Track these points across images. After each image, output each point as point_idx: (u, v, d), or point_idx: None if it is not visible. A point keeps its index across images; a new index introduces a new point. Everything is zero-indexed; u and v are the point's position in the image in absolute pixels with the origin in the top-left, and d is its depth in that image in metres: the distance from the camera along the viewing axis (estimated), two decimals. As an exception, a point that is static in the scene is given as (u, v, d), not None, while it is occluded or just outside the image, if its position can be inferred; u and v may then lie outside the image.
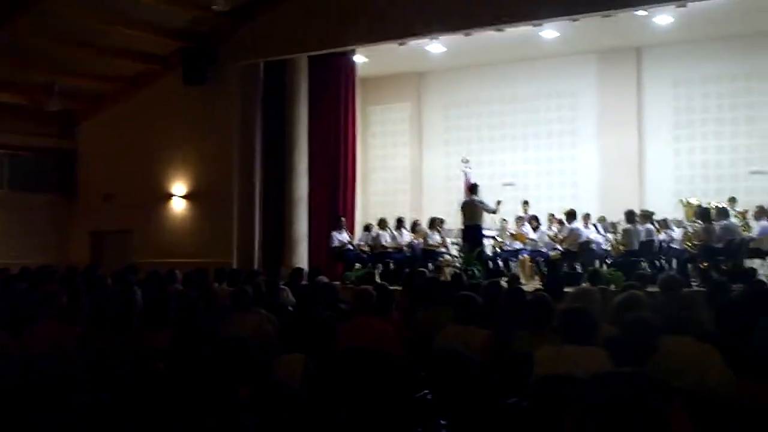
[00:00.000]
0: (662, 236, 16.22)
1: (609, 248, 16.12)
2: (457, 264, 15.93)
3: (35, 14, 15.66)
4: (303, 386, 5.85)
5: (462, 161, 19.71)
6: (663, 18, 16.69)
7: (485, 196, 19.50)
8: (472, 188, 16.17)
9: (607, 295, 8.80)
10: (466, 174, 19.64)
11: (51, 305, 6.85)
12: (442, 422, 6.50)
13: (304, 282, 12.22)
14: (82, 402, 5.61)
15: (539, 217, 17.78)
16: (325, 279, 12.17)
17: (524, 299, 7.77)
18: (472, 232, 15.74)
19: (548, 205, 19.02)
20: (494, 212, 16.53)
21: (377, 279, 14.84)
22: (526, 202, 18.86)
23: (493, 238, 17.36)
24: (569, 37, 17.81)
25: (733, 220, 15.81)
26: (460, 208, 16.43)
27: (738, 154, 18.50)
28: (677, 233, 16.03)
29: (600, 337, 5.39)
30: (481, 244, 15.80)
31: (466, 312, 6.74)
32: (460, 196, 19.18)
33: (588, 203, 19.05)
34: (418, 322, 7.98)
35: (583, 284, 11.13)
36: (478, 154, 20.67)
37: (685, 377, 4.60)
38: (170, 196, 18.97)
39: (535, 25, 16.13)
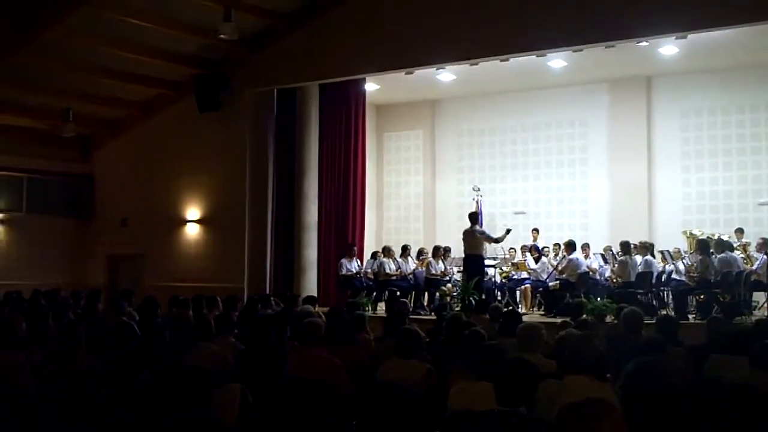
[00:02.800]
0: (669, 267, 16.21)
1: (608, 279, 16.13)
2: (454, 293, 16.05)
3: (49, 41, 16.04)
4: (240, 415, 6.02)
5: (473, 189, 19.90)
6: (668, 48, 16.78)
7: (497, 223, 19.76)
8: (472, 217, 16.22)
9: (591, 328, 8.96)
10: (477, 202, 19.82)
11: (10, 333, 7.07)
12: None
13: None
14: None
15: (548, 246, 17.90)
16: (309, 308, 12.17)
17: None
18: (471, 262, 15.79)
19: (558, 233, 19.12)
20: (497, 242, 16.61)
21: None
22: (536, 230, 18.97)
23: (495, 267, 17.44)
24: (578, 66, 17.98)
25: (737, 252, 15.76)
26: (461, 238, 16.49)
27: (746, 184, 18.41)
28: (682, 265, 15.97)
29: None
30: (481, 273, 15.82)
31: (408, 345, 6.85)
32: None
33: (598, 232, 19.16)
34: (377, 352, 8.11)
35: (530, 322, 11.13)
36: (489, 182, 20.86)
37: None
38: (184, 221, 19.26)
39: (538, 56, 16.23)
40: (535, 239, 18.51)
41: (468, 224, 16.44)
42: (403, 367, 6.74)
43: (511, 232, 16.69)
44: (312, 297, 13.92)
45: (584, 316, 10.97)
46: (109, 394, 6.21)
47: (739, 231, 17.00)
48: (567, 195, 20.51)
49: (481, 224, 19.38)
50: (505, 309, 13.22)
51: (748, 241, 16.25)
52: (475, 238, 15.85)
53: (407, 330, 7.00)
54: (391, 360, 6.92)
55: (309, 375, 6.89)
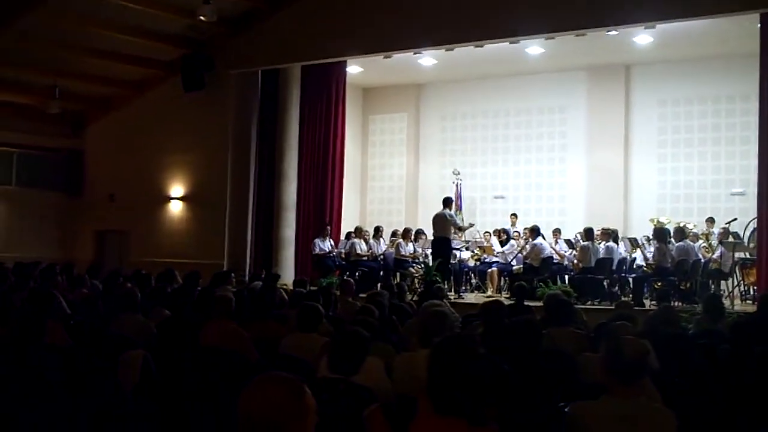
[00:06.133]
0: (637, 255, 16.49)
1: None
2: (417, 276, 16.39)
3: (37, 21, 16.42)
4: (141, 378, 6.46)
5: (453, 173, 20.23)
6: (642, 38, 16.98)
7: (477, 207, 20.12)
8: (445, 201, 16.50)
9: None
10: (457, 186, 20.16)
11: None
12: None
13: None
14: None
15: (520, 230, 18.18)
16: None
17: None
18: (438, 244, 16.08)
19: (537, 218, 19.35)
20: (461, 229, 16.91)
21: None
22: (514, 215, 19.26)
23: (466, 249, 17.77)
24: (557, 53, 18.24)
25: (700, 241, 16.03)
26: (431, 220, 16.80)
27: (719, 174, 18.64)
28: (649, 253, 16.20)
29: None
30: (448, 256, 16.13)
31: (308, 320, 7.20)
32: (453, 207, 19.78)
33: (575, 217, 19.44)
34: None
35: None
36: (471, 167, 21.16)
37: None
38: (168, 198, 19.69)
39: (511, 43, 16.46)
40: (513, 224, 18.79)
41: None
42: (303, 340, 7.10)
43: (474, 226, 17.33)
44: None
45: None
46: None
47: (710, 220, 17.26)
48: (545, 180, 20.79)
49: (461, 208, 19.84)
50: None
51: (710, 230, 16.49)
52: (445, 221, 16.12)
53: (307, 305, 7.35)
54: (294, 333, 7.28)
55: (218, 344, 7.27)
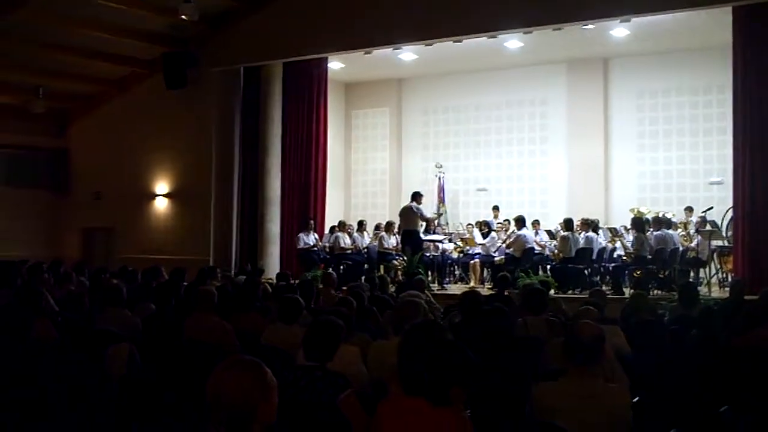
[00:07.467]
0: (617, 244, 16.73)
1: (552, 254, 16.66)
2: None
3: (18, 21, 16.53)
4: (128, 370, 6.66)
5: (436, 166, 20.46)
6: (619, 31, 17.20)
7: (460, 200, 20.38)
8: (414, 195, 16.68)
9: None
10: (440, 179, 20.39)
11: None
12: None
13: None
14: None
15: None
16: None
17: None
18: (408, 237, 16.32)
19: (519, 210, 19.38)
20: (426, 221, 17.15)
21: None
22: (496, 208, 19.48)
23: (449, 241, 18.02)
24: (535, 47, 18.44)
25: (679, 229, 16.29)
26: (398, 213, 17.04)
27: (697, 164, 18.90)
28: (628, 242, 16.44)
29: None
30: (420, 248, 16.34)
31: (289, 312, 7.41)
32: (436, 200, 20.10)
33: (556, 209, 19.66)
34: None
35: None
36: (453, 160, 21.41)
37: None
38: (153, 195, 19.85)
39: (489, 37, 16.68)
40: (495, 217, 19.00)
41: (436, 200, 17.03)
42: (284, 332, 7.30)
43: (441, 216, 18.32)
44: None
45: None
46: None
47: (689, 209, 17.50)
48: (527, 172, 21.02)
49: (444, 201, 20.08)
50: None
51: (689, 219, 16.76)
52: (413, 214, 16.34)
53: (289, 298, 7.56)
54: (275, 325, 7.49)
55: (201, 337, 7.47)
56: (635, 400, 5.04)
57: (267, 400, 3.15)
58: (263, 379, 3.15)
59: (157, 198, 19.86)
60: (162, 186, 19.76)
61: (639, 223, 15.21)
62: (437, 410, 3.73)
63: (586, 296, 13.72)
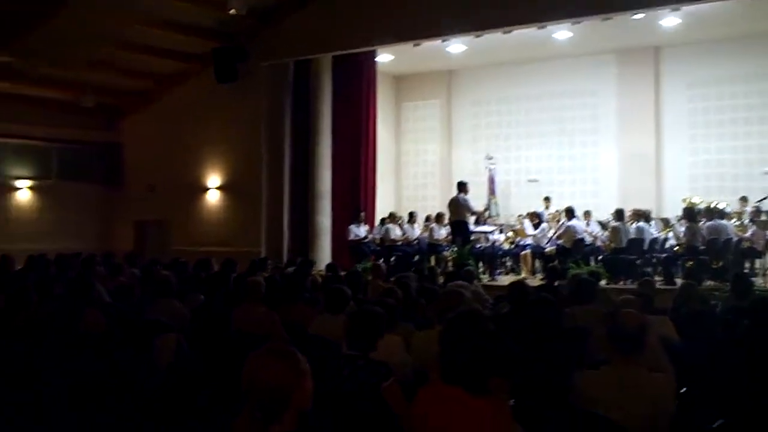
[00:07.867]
0: (669, 234, 16.54)
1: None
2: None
3: (72, 17, 16.75)
4: (176, 359, 6.76)
5: (486, 158, 20.39)
6: (669, 20, 16.98)
7: (511, 191, 20.29)
8: (460, 186, 16.65)
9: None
10: (490, 170, 20.33)
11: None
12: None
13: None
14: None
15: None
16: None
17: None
18: (456, 228, 16.32)
19: (570, 201, 19.27)
20: (474, 214, 17.07)
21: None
22: (547, 199, 19.36)
23: (500, 233, 17.99)
24: (584, 37, 18.27)
25: (733, 219, 16.05)
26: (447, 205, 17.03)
27: (752, 153, 18.59)
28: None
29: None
30: (469, 239, 16.32)
31: (336, 303, 7.45)
32: (487, 191, 20.03)
33: (608, 199, 19.46)
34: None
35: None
36: (504, 151, 21.34)
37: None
38: (205, 188, 20.08)
39: (538, 28, 16.57)
40: (546, 208, 18.89)
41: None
42: (330, 322, 7.34)
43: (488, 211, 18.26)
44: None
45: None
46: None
47: (743, 199, 17.22)
48: (578, 163, 20.87)
49: (495, 193, 20.02)
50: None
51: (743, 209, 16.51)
52: (460, 205, 16.31)
53: (335, 288, 7.60)
54: (323, 316, 7.54)
55: (249, 327, 7.55)
56: (683, 390, 5.01)
57: (301, 387, 3.19)
58: (297, 366, 3.20)
59: (209, 191, 20.08)
60: (214, 179, 19.97)
61: (691, 213, 15.04)
62: (475, 399, 3.73)
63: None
